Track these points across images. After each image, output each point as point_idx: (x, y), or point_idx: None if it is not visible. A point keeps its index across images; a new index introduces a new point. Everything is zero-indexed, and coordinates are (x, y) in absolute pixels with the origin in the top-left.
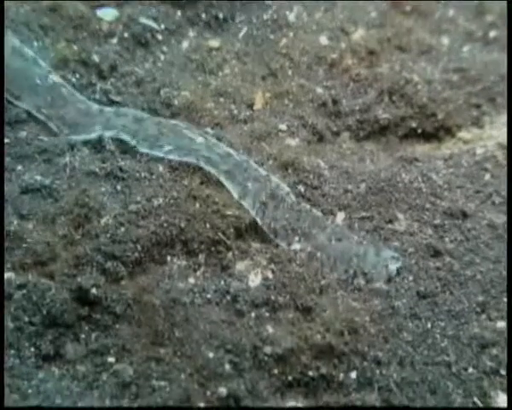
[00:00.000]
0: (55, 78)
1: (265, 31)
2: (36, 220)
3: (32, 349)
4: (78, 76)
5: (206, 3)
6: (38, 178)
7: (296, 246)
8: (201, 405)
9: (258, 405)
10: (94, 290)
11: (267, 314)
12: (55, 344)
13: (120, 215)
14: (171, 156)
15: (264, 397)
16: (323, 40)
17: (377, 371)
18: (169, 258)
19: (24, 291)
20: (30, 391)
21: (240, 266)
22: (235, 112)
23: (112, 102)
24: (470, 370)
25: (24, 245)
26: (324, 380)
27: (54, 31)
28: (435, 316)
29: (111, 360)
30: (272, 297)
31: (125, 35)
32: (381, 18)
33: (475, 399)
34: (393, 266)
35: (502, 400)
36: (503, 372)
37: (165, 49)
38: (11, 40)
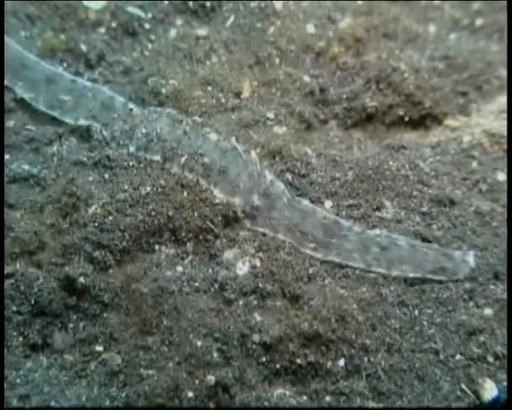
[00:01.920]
0: None
1: (252, 19)
2: (23, 209)
3: (20, 339)
4: (65, 65)
5: None
6: (26, 167)
7: None
8: (189, 393)
9: (246, 393)
10: (82, 279)
11: (255, 302)
12: (43, 334)
13: (108, 204)
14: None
15: (252, 385)
16: (310, 28)
17: (365, 359)
18: (157, 246)
19: (12, 281)
20: (18, 381)
21: (228, 254)
22: (223, 100)
23: None
24: (458, 357)
25: (12, 234)
26: (312, 368)
27: (41, 20)
28: (423, 303)
29: (99, 348)
30: (260, 285)
31: (113, 24)
32: (367, 6)
33: (463, 386)
34: (470, 258)
35: (489, 386)
36: (491, 359)
37: (152, 37)
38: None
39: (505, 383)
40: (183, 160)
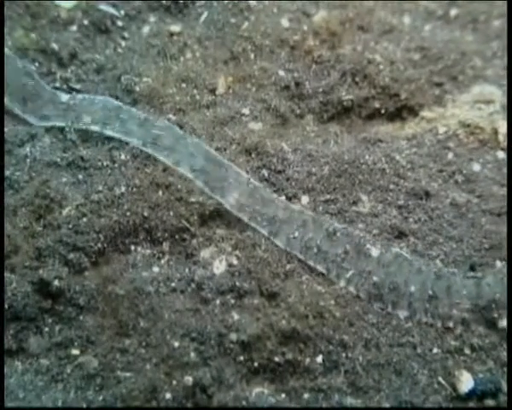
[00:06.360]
0: None
1: (226, 14)
2: None
3: None
4: (37, 65)
5: None
6: None
7: None
8: (167, 395)
9: (224, 392)
10: (56, 282)
11: (232, 301)
12: (18, 338)
13: (82, 205)
14: None
15: (230, 384)
16: (285, 23)
17: (343, 355)
18: (133, 247)
19: None
20: None
21: (204, 253)
22: (198, 97)
23: (72, 90)
24: (435, 350)
25: None
26: (290, 365)
27: (11, 19)
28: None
29: (75, 352)
30: (237, 284)
31: (85, 22)
32: None
33: (440, 378)
34: None
35: (466, 378)
36: (467, 351)
37: (125, 35)
38: None
39: (481, 375)
40: None
